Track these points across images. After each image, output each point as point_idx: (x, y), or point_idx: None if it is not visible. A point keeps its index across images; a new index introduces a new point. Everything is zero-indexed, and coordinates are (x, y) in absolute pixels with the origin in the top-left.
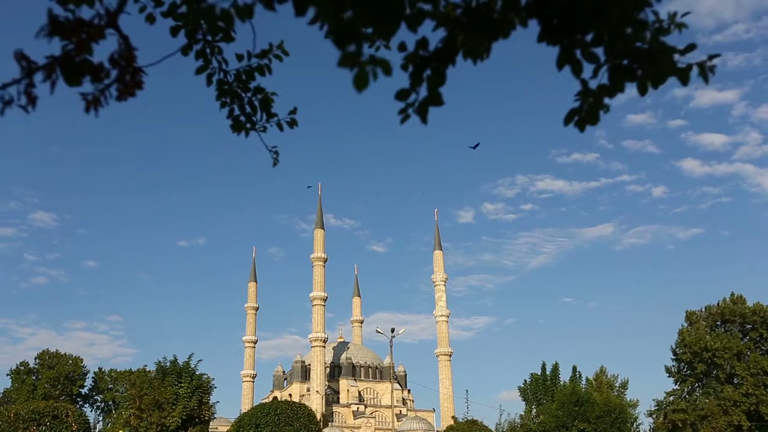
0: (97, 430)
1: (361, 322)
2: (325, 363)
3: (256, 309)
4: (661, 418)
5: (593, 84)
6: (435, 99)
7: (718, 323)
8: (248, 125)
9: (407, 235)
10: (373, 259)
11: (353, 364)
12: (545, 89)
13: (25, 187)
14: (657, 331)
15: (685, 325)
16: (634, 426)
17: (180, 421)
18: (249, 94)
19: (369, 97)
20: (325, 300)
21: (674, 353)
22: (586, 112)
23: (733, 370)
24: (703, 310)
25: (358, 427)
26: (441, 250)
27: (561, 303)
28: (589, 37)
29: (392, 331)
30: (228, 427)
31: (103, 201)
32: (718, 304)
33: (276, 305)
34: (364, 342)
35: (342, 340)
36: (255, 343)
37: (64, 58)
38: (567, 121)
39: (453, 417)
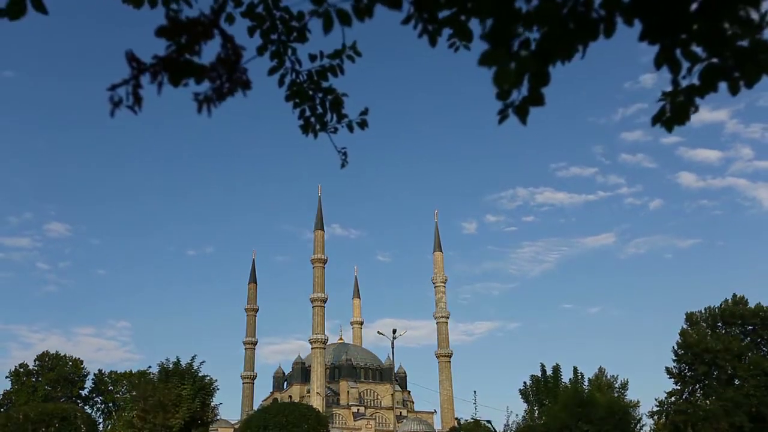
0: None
1: (361, 324)
2: (326, 364)
3: (256, 311)
4: (662, 419)
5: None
6: (536, 99)
7: (719, 324)
8: (318, 126)
9: (412, 245)
10: (379, 268)
11: (353, 365)
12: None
13: (43, 199)
14: (657, 335)
15: (686, 326)
16: (638, 427)
17: (182, 422)
18: (320, 95)
19: (372, 109)
20: (324, 301)
21: (675, 354)
22: (676, 112)
23: (734, 371)
24: (704, 311)
25: (359, 429)
26: (441, 251)
27: (564, 309)
28: (690, 36)
29: (394, 332)
30: (229, 430)
31: (116, 211)
32: (720, 305)
33: (284, 311)
34: (365, 344)
35: (342, 341)
36: (255, 344)
37: (168, 58)
38: (655, 120)
39: (456, 419)
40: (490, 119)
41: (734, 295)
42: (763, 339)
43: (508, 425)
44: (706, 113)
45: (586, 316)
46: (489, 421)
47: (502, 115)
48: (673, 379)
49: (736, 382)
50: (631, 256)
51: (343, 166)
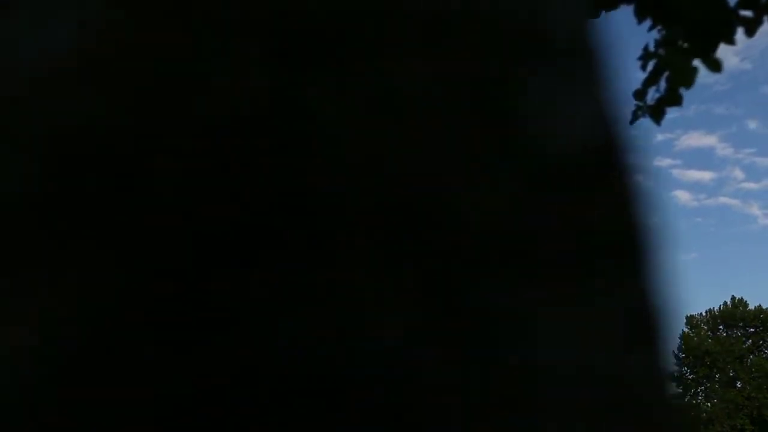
0: None
1: None
2: None
3: None
4: None
5: None
6: (674, 99)
7: (720, 327)
8: None
9: None
10: None
11: None
12: None
13: None
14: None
15: (686, 329)
16: None
17: None
18: None
19: None
20: None
21: (676, 358)
22: None
23: (735, 373)
24: (705, 313)
25: None
26: None
27: None
28: None
29: None
30: None
31: None
32: (719, 308)
33: None
34: None
35: None
36: None
37: None
38: None
39: None
40: None
41: (733, 298)
42: (765, 341)
43: None
44: (697, 138)
45: None
46: None
47: (635, 116)
48: (674, 383)
49: (738, 384)
50: None
51: None
